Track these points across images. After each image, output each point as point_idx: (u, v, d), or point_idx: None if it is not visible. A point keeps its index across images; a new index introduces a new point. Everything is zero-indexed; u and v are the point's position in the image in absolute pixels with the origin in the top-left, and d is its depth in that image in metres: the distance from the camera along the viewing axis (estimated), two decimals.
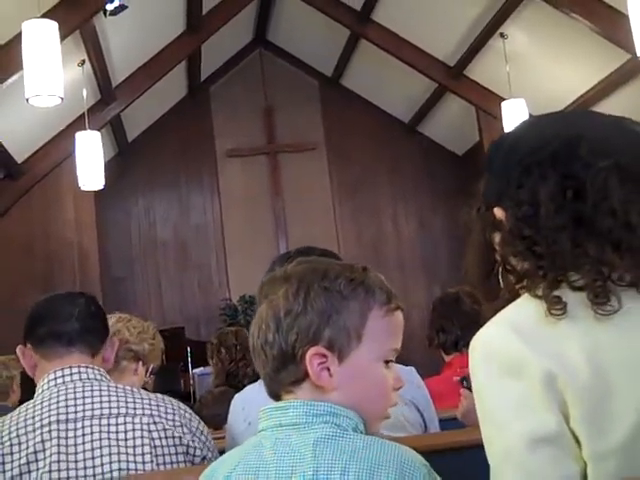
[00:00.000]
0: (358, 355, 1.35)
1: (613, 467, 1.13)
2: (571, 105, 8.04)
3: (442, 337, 3.38)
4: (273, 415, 1.36)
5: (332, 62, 10.56)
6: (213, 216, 10.71)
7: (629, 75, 7.39)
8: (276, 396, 1.40)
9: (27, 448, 1.87)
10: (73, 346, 2.09)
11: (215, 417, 3.58)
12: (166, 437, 1.97)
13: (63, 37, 5.82)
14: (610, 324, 1.18)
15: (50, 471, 1.84)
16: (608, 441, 1.13)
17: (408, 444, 1.34)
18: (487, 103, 9.06)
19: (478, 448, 1.24)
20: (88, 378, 2.04)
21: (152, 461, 1.92)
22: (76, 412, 1.94)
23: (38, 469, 1.85)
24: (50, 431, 1.90)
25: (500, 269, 1.34)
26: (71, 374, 2.03)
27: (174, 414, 2.03)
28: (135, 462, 1.90)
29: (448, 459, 1.60)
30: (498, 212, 1.33)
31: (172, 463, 1.96)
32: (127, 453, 1.91)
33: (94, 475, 1.86)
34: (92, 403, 1.97)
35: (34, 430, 1.90)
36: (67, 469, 1.85)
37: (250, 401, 2.18)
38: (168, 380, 6.60)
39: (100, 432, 1.92)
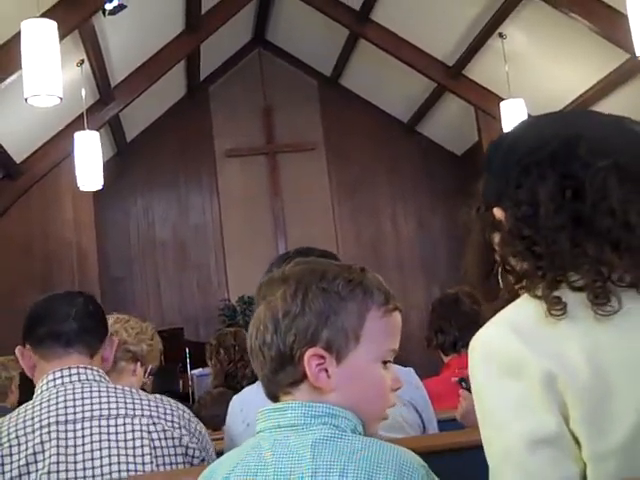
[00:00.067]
0: (356, 356, 1.35)
1: (613, 468, 1.13)
2: (570, 105, 8.04)
3: (441, 338, 3.37)
4: (271, 416, 1.36)
5: (331, 62, 10.56)
6: (212, 216, 10.70)
7: (628, 75, 7.39)
8: (274, 397, 1.40)
9: (26, 449, 1.87)
10: (71, 347, 2.09)
11: (214, 418, 3.58)
12: (166, 438, 1.97)
13: (62, 37, 5.82)
14: (610, 325, 1.17)
15: (49, 472, 1.84)
16: (608, 442, 1.13)
17: (406, 445, 1.34)
18: (486, 103, 9.06)
19: (477, 449, 1.24)
20: (87, 379, 2.03)
21: (152, 462, 1.92)
22: (75, 413, 1.94)
23: (37, 470, 1.85)
24: (49, 432, 1.89)
25: (499, 269, 1.33)
26: (70, 375, 2.03)
27: (173, 415, 2.02)
28: (135, 463, 1.90)
29: (447, 460, 1.60)
30: (497, 212, 1.33)
31: (172, 464, 1.96)
32: (127, 454, 1.91)
33: (93, 476, 1.86)
34: (91, 404, 1.97)
35: (33, 431, 1.90)
36: (66, 470, 1.85)
37: (248, 402, 2.18)
38: (167, 381, 6.58)
39: (100, 433, 1.92)
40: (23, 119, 7.48)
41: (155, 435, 1.96)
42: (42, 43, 5.32)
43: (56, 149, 8.63)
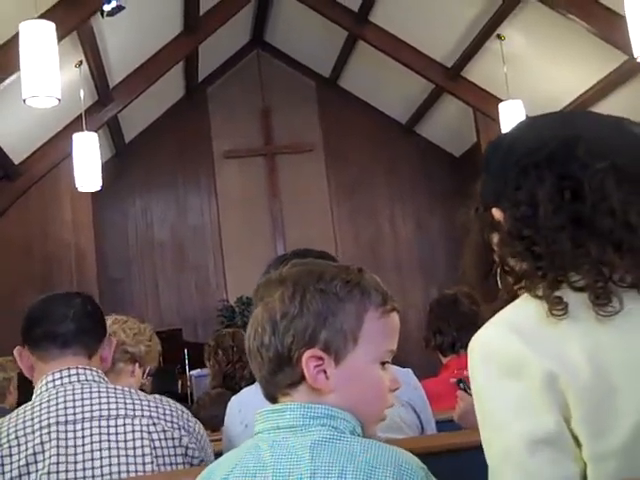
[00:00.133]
0: (354, 357, 1.35)
1: (613, 468, 1.13)
2: (568, 106, 8.04)
3: (439, 339, 3.37)
4: (270, 417, 1.36)
5: (329, 63, 10.56)
6: (210, 217, 10.70)
7: (626, 76, 7.39)
8: (272, 398, 1.39)
9: (26, 450, 1.87)
10: (68, 348, 2.08)
11: (212, 419, 3.57)
12: (166, 438, 1.97)
13: (60, 38, 5.82)
14: (611, 325, 1.17)
15: (49, 473, 1.83)
16: (609, 442, 1.13)
17: (405, 446, 1.34)
18: (484, 104, 9.06)
19: (475, 450, 1.24)
20: (87, 380, 2.03)
21: (152, 462, 1.92)
22: (75, 414, 1.94)
23: (37, 471, 1.84)
24: (49, 433, 1.89)
25: (498, 270, 1.33)
26: (69, 375, 2.02)
27: (172, 415, 2.03)
28: (135, 464, 1.90)
29: (445, 461, 1.60)
30: (496, 213, 1.33)
31: (172, 464, 1.96)
32: (127, 455, 1.91)
33: (93, 477, 1.86)
34: (91, 405, 1.97)
35: (33, 432, 1.89)
36: (66, 471, 1.85)
37: (247, 403, 2.18)
38: (165, 382, 6.58)
39: (100, 434, 1.92)
40: (21, 120, 7.48)
41: (155, 435, 1.96)
42: (40, 44, 5.32)
43: (55, 150, 8.62)
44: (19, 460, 1.86)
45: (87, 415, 1.94)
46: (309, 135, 10.90)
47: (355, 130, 10.83)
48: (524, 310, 1.23)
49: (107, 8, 6.94)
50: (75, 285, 8.45)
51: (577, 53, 7.57)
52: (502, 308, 1.27)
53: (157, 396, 2.09)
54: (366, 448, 1.27)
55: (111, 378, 2.24)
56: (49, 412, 1.93)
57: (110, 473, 1.87)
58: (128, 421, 1.95)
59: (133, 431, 1.94)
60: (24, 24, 5.36)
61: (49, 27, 5.42)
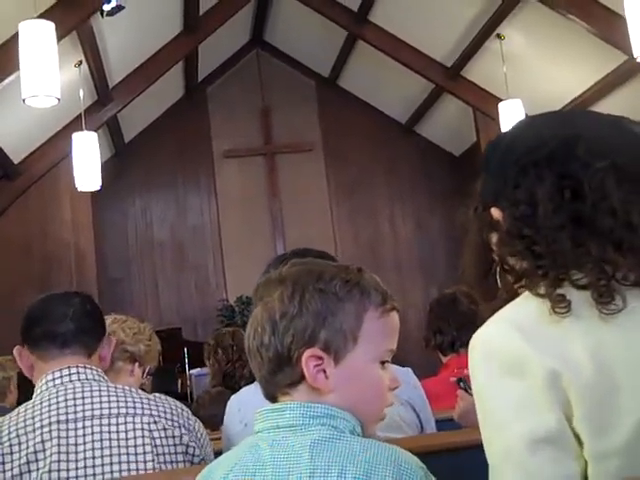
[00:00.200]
0: (354, 357, 1.35)
1: (614, 466, 1.13)
2: (568, 106, 8.04)
3: (439, 338, 3.37)
4: (270, 417, 1.36)
5: (329, 63, 10.55)
6: (210, 217, 10.70)
7: (626, 76, 7.39)
8: (272, 398, 1.39)
9: (27, 448, 1.87)
10: (68, 347, 2.09)
11: (212, 417, 3.58)
12: (166, 437, 1.97)
13: (60, 38, 5.82)
14: (614, 323, 1.17)
15: (50, 471, 1.84)
16: (610, 440, 1.13)
17: (404, 445, 1.34)
18: (484, 104, 9.06)
19: (475, 449, 1.24)
20: (87, 379, 2.03)
21: (153, 460, 1.92)
22: (76, 412, 1.94)
23: (38, 469, 1.85)
24: (50, 431, 1.89)
25: (498, 269, 1.33)
26: (70, 374, 2.03)
27: (173, 414, 2.03)
28: (136, 462, 1.91)
29: (444, 460, 1.60)
30: (495, 212, 1.33)
31: (172, 462, 1.96)
32: (128, 453, 1.91)
33: (94, 475, 1.86)
34: (92, 403, 1.97)
35: (34, 430, 1.90)
36: (67, 469, 1.85)
37: (246, 402, 2.18)
38: (165, 381, 6.58)
39: (101, 432, 1.92)
40: (21, 120, 7.48)
41: (156, 434, 1.96)
42: (40, 44, 5.32)
43: (54, 150, 8.62)
44: (20, 459, 1.86)
45: (88, 414, 1.94)
46: (309, 135, 10.90)
47: (355, 130, 10.83)
48: (525, 308, 1.23)
49: (107, 8, 6.95)
50: (75, 285, 8.45)
51: (577, 53, 7.57)
52: (501, 307, 1.26)
53: (157, 394, 2.10)
54: (366, 447, 1.27)
55: (110, 377, 2.24)
56: (50, 411, 1.94)
57: (111, 471, 1.87)
58: (129, 419, 1.96)
59: (134, 429, 1.94)
60: (23, 24, 5.36)
61: (49, 27, 5.42)
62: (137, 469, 1.90)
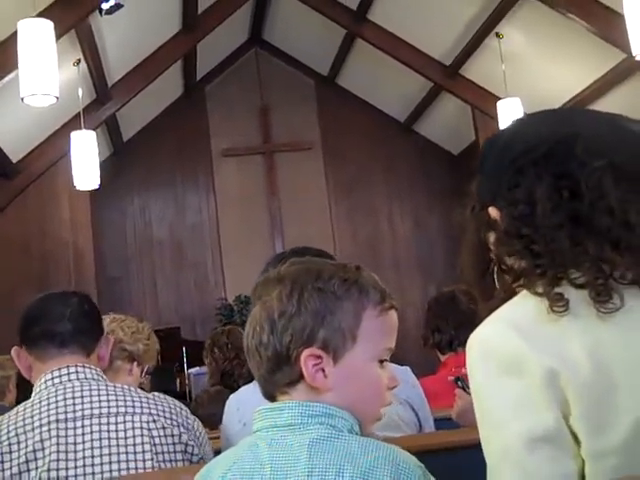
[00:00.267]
0: (353, 355, 1.34)
1: (612, 465, 1.13)
2: (567, 104, 8.04)
3: (437, 337, 3.37)
4: (268, 416, 1.35)
5: (328, 61, 10.55)
6: (209, 215, 10.70)
7: (625, 74, 7.39)
8: (271, 397, 1.39)
9: (26, 447, 1.87)
10: (66, 347, 2.08)
11: (211, 417, 3.57)
12: (165, 435, 1.98)
13: (59, 36, 5.81)
14: (612, 322, 1.17)
15: (49, 470, 1.84)
16: (608, 439, 1.13)
17: (403, 444, 1.34)
18: (483, 102, 9.06)
19: (473, 448, 1.24)
20: (85, 378, 2.04)
21: (152, 459, 1.92)
22: (75, 411, 1.94)
23: (37, 468, 1.85)
24: (49, 430, 1.90)
25: (495, 268, 1.33)
26: (68, 374, 2.03)
27: (172, 412, 2.03)
28: (135, 461, 1.91)
29: (443, 459, 1.60)
30: (492, 212, 1.33)
31: (171, 461, 1.96)
32: (127, 452, 1.91)
33: (93, 474, 1.87)
34: (91, 402, 1.97)
35: (33, 429, 1.90)
36: (66, 468, 1.86)
37: (245, 402, 2.18)
38: (164, 380, 6.59)
39: (100, 431, 1.92)
40: (19, 118, 7.47)
41: (155, 432, 1.96)
42: (39, 43, 5.32)
43: (53, 148, 8.62)
44: (19, 457, 1.86)
45: (87, 412, 1.95)
46: (307, 133, 10.90)
47: (353, 128, 10.83)
48: (523, 307, 1.23)
49: (105, 6, 6.94)
50: (73, 284, 8.45)
51: (576, 51, 7.57)
52: (499, 306, 1.26)
53: (156, 393, 2.10)
54: (364, 447, 1.27)
55: (109, 376, 2.24)
56: (49, 410, 1.94)
57: (110, 470, 1.87)
58: (128, 418, 1.96)
59: (133, 428, 1.95)
60: (22, 22, 5.36)
61: (47, 25, 5.42)
62: (136, 468, 1.90)
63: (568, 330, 1.18)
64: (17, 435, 1.89)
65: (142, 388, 2.60)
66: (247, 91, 10.70)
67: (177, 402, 2.10)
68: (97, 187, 7.96)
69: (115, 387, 2.04)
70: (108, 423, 1.94)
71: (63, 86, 5.77)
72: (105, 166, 8.69)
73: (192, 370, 7.45)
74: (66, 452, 1.87)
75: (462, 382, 2.32)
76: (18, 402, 2.49)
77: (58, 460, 1.85)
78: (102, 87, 8.37)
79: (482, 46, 8.37)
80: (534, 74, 8.16)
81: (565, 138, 1.28)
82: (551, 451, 1.13)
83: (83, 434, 1.91)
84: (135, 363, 2.74)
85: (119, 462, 1.89)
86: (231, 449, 1.42)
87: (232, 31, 9.87)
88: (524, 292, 1.25)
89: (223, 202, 10.66)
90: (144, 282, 10.43)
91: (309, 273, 1.38)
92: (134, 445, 1.92)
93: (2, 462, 1.86)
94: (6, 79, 6.40)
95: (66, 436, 1.90)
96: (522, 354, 1.17)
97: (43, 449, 1.87)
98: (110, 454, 1.89)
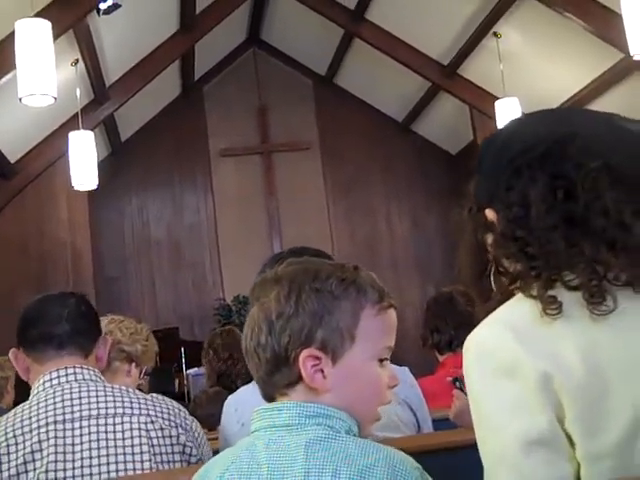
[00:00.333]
0: (352, 355, 1.34)
1: (607, 467, 1.13)
2: (565, 104, 8.04)
3: (436, 337, 3.37)
4: (266, 416, 1.35)
5: (326, 61, 10.55)
6: (207, 215, 10.70)
7: (622, 74, 7.40)
8: (270, 399, 1.39)
9: (24, 448, 1.87)
10: (64, 349, 2.08)
11: (209, 417, 3.57)
12: (163, 436, 1.97)
13: (56, 36, 5.81)
14: (605, 324, 1.17)
15: (47, 471, 1.84)
16: (602, 441, 1.13)
17: (401, 444, 1.34)
18: (481, 102, 9.06)
19: (471, 448, 1.24)
20: (84, 379, 2.03)
21: (150, 460, 1.92)
22: (73, 412, 1.94)
23: (35, 469, 1.85)
24: (47, 431, 1.89)
25: (492, 270, 1.33)
26: (66, 375, 2.03)
27: (170, 413, 2.03)
28: (133, 462, 1.91)
29: (441, 459, 1.60)
30: (489, 213, 1.33)
31: (169, 462, 1.96)
32: (125, 453, 1.91)
33: (91, 475, 1.87)
34: (89, 403, 1.97)
35: (31, 430, 1.90)
36: (64, 469, 1.85)
37: (243, 402, 2.18)
38: (162, 381, 6.58)
39: (98, 432, 1.92)
40: (17, 119, 7.47)
41: (153, 433, 1.96)
42: (36, 43, 5.31)
43: (51, 149, 8.61)
44: (17, 459, 1.86)
45: (85, 414, 1.94)
46: (305, 133, 10.90)
47: (351, 128, 10.83)
48: (518, 310, 1.23)
49: (103, 6, 6.94)
50: (71, 284, 8.44)
51: (573, 51, 7.58)
52: (496, 308, 1.26)
53: (154, 394, 2.10)
54: (360, 448, 1.27)
55: (107, 377, 2.24)
56: (47, 411, 1.93)
57: (108, 471, 1.87)
58: (126, 419, 1.96)
59: (131, 429, 1.94)
60: (20, 22, 5.35)
61: (45, 25, 5.41)
62: (134, 469, 1.90)
63: (562, 333, 1.18)
64: (15, 437, 1.89)
65: (140, 389, 2.60)
66: (245, 91, 10.70)
67: (175, 403, 2.10)
68: (95, 187, 7.96)
69: (113, 388, 2.04)
70: (106, 424, 1.94)
71: (61, 86, 5.76)
72: (103, 166, 8.69)
73: (191, 371, 7.44)
74: (64, 453, 1.87)
75: (460, 383, 2.32)
76: (16, 404, 2.48)
77: (56, 461, 1.85)
78: (100, 87, 8.37)
79: (480, 46, 8.37)
80: (532, 74, 8.16)
81: (563, 138, 1.28)
82: (546, 454, 1.13)
83: (81, 435, 1.91)
84: (133, 364, 2.74)
85: (117, 463, 1.89)
86: (229, 449, 1.41)
87: (230, 31, 9.87)
88: (520, 294, 1.25)
89: (221, 202, 10.66)
90: (142, 282, 10.42)
91: (306, 273, 1.38)
92: (132, 446, 1.92)
93: (0, 463, 1.85)
94: (4, 79, 6.40)
95: (64, 437, 1.90)
96: (517, 357, 1.17)
97: (41, 450, 1.87)
98: (108, 455, 1.89)
